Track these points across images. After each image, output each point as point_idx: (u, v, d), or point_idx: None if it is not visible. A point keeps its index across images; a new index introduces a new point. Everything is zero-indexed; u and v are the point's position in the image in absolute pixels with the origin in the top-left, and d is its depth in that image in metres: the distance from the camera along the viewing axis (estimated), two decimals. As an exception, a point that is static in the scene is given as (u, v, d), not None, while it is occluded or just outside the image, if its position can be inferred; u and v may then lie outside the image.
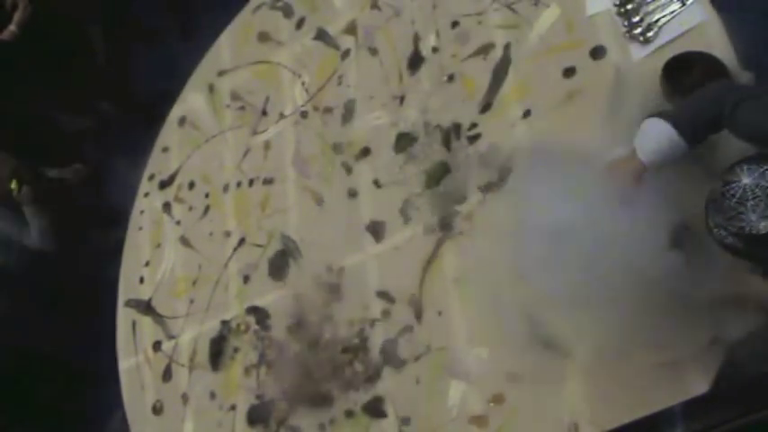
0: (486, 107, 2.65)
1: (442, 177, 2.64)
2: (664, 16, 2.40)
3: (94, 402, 3.87)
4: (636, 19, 2.43)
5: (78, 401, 3.94)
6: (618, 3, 2.48)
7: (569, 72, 2.52)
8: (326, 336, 2.69)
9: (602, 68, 2.46)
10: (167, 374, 2.99)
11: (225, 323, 2.92)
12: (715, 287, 1.89)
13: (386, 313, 2.61)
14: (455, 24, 2.81)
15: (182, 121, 3.35)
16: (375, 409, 2.53)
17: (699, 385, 2.02)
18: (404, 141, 2.76)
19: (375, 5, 3.01)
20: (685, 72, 2.18)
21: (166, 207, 3.24)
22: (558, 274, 1.98)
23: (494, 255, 2.29)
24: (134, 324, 3.14)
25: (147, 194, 3.32)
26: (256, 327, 2.84)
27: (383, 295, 2.63)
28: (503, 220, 2.28)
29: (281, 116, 3.08)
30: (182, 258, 3.13)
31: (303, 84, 3.07)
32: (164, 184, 3.28)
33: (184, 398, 2.91)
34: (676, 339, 2.00)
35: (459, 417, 2.38)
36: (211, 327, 2.95)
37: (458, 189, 2.60)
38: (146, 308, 3.13)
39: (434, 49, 2.82)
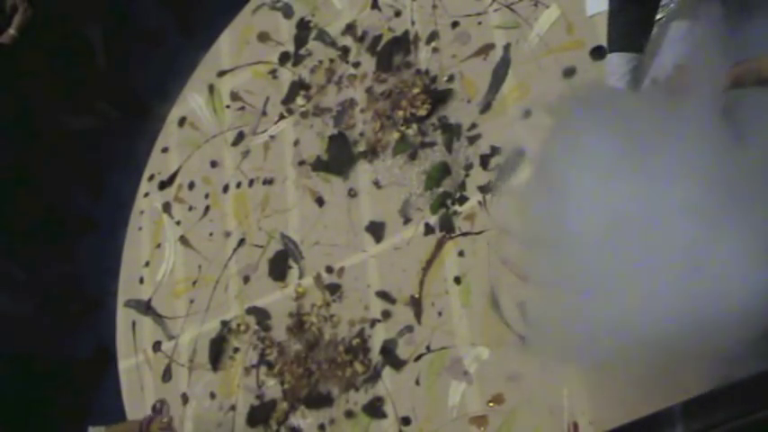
0: (486, 107, 2.65)
1: (442, 177, 2.64)
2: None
3: (94, 402, 3.87)
4: (636, 19, 2.43)
5: (78, 401, 3.94)
6: (618, 3, 2.48)
7: (569, 72, 2.53)
8: (326, 336, 2.69)
9: (603, 69, 2.46)
10: (167, 374, 2.99)
11: (225, 323, 2.92)
12: None
13: (386, 313, 2.61)
14: (455, 24, 2.81)
15: (182, 121, 3.35)
16: (375, 409, 2.53)
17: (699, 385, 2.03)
18: (404, 142, 2.76)
19: (375, 6, 3.01)
20: None
21: (166, 207, 3.24)
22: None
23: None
24: (134, 324, 3.14)
25: (147, 194, 3.32)
26: (256, 327, 2.84)
27: (383, 295, 2.63)
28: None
29: (281, 116, 3.08)
30: (182, 258, 3.13)
31: (303, 84, 3.07)
32: (164, 185, 3.28)
33: (184, 398, 2.91)
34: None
35: (459, 417, 2.38)
36: (211, 327, 2.95)
37: (458, 189, 2.61)
38: (146, 308, 3.13)
39: (434, 50, 2.82)
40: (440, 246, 2.58)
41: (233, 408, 2.80)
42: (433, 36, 2.85)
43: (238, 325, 2.89)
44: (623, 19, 2.03)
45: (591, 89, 2.18)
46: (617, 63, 2.05)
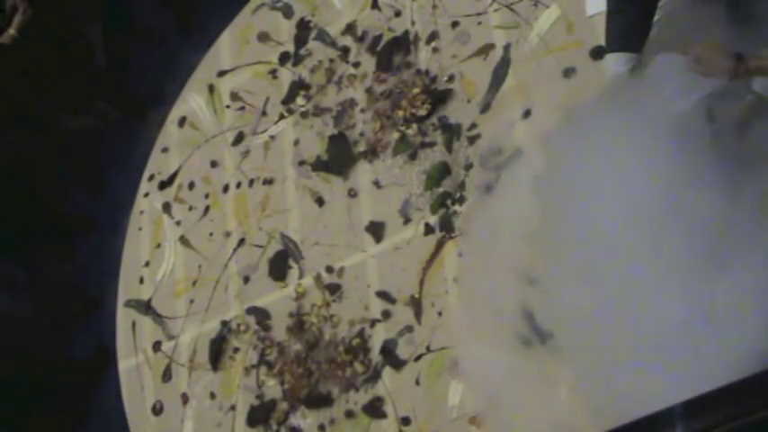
0: (486, 107, 2.65)
1: (442, 177, 2.64)
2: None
3: (94, 402, 3.87)
4: (636, 19, 2.43)
5: (78, 401, 3.94)
6: (618, 3, 2.48)
7: (569, 72, 2.53)
8: (326, 336, 2.69)
9: (602, 68, 2.46)
10: (167, 374, 2.99)
11: (225, 323, 2.92)
12: None
13: (386, 313, 2.61)
14: (455, 25, 2.81)
15: (182, 121, 3.35)
16: (375, 409, 2.53)
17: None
18: (404, 142, 2.76)
19: (375, 6, 3.01)
20: None
21: (166, 207, 3.24)
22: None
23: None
24: (134, 324, 3.14)
25: (147, 194, 3.32)
26: (256, 327, 2.84)
27: (383, 295, 2.63)
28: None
29: (281, 116, 3.08)
30: (182, 258, 3.13)
31: (303, 84, 3.07)
32: (164, 185, 3.28)
33: (184, 398, 2.91)
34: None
35: (459, 417, 2.38)
36: (211, 327, 2.95)
37: (458, 189, 2.60)
38: (146, 308, 3.13)
39: (434, 50, 2.82)
40: (440, 246, 2.58)
41: (233, 408, 2.80)
42: (433, 36, 2.85)
43: (238, 325, 2.89)
44: (621, 20, 2.04)
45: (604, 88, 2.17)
46: (615, 63, 2.05)
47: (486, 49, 2.72)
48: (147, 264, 3.21)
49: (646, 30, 2.07)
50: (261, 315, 2.85)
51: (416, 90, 2.77)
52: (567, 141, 2.12)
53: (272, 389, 2.74)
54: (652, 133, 1.90)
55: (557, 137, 2.21)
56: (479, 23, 2.76)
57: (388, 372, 2.55)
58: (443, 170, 2.65)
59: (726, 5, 2.01)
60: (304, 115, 3.02)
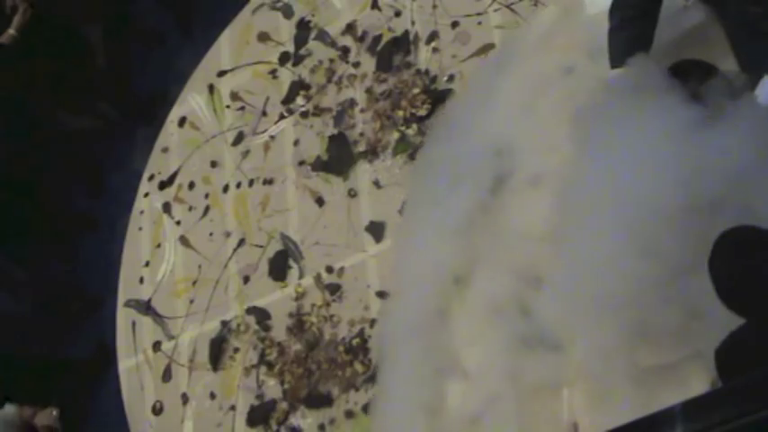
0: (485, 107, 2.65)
1: (442, 178, 2.64)
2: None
3: (94, 402, 3.87)
4: (635, 19, 2.43)
5: (78, 401, 3.94)
6: (618, 3, 2.48)
7: (569, 72, 2.52)
8: (326, 336, 2.69)
9: (602, 68, 2.45)
10: (167, 374, 2.99)
11: (225, 323, 2.92)
12: None
13: (386, 313, 2.61)
14: (455, 24, 2.81)
15: (182, 121, 3.35)
16: (375, 409, 2.53)
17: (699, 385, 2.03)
18: (404, 142, 2.76)
19: (375, 6, 3.01)
20: (682, 78, 2.19)
21: (166, 207, 3.24)
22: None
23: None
24: (134, 324, 3.14)
25: (147, 195, 3.32)
26: (256, 327, 2.84)
27: (383, 295, 2.63)
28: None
29: (281, 116, 3.08)
30: (182, 258, 3.13)
31: (303, 84, 3.07)
32: (164, 185, 3.28)
33: (184, 398, 2.91)
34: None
35: (460, 417, 2.37)
36: (211, 327, 2.95)
37: (458, 189, 2.60)
38: (146, 308, 3.13)
39: (434, 50, 2.82)
40: (440, 246, 2.58)
41: (233, 408, 2.80)
42: (433, 36, 2.85)
43: (238, 325, 2.89)
44: (624, 35, 2.04)
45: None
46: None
47: (486, 49, 2.72)
48: (147, 264, 3.21)
49: (649, 41, 2.07)
50: (261, 315, 2.85)
51: (416, 90, 2.77)
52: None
53: (272, 389, 2.74)
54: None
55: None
56: (479, 23, 2.76)
57: (388, 372, 2.54)
58: (443, 170, 2.64)
59: (723, 7, 2.00)
60: (304, 115, 3.02)
